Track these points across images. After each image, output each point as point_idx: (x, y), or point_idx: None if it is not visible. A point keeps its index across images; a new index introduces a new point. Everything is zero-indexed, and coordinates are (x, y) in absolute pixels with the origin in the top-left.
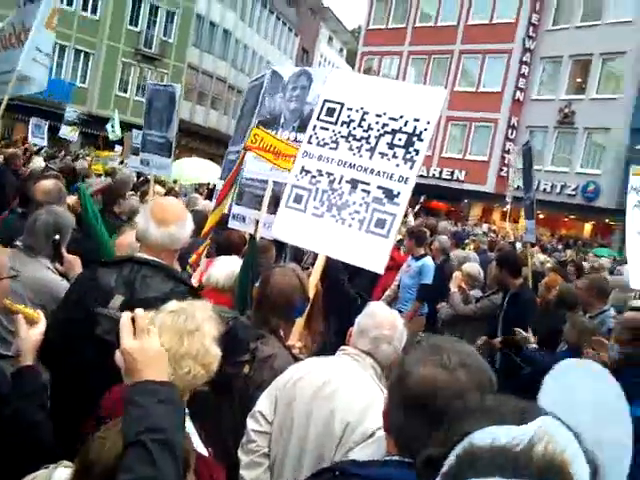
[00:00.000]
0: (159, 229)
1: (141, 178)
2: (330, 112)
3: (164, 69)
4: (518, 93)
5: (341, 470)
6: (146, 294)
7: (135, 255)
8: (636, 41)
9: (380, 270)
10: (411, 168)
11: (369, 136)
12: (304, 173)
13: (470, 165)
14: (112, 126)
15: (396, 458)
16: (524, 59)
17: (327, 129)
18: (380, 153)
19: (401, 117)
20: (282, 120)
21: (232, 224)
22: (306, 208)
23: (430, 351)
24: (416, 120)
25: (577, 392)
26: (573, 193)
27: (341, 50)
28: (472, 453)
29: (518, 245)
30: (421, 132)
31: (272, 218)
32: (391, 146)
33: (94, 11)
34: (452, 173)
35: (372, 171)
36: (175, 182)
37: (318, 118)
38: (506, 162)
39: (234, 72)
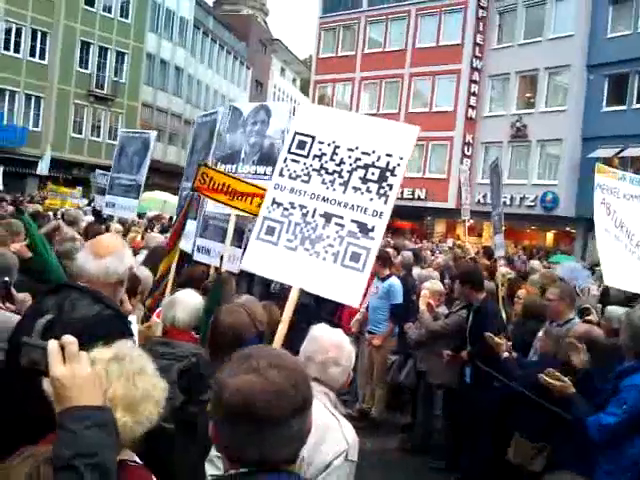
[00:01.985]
0: (94, 261)
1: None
2: (301, 145)
3: (118, 109)
4: (470, 111)
5: None
6: (71, 316)
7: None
8: (579, 53)
9: (355, 304)
10: (385, 203)
11: (342, 170)
12: (275, 205)
13: (430, 183)
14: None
15: (230, 472)
16: (473, 78)
17: (298, 162)
18: (353, 187)
19: (373, 152)
20: (242, 155)
21: (197, 257)
22: (279, 241)
23: (239, 360)
24: (388, 155)
25: None
26: (532, 204)
27: (294, 80)
28: None
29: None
30: (394, 167)
31: (236, 251)
32: (364, 180)
33: (42, 56)
34: (413, 192)
35: (346, 205)
36: (140, 216)
37: (289, 151)
38: (462, 181)
39: (189, 107)
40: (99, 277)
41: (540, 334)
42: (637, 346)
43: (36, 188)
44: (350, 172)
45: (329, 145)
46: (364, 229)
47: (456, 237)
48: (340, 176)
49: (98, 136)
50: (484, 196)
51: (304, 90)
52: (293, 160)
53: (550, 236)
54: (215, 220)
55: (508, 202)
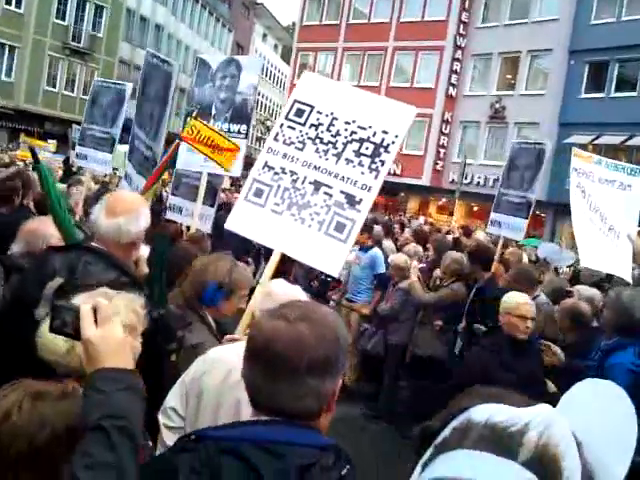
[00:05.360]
0: (107, 220)
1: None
2: (299, 113)
3: (94, 64)
4: (451, 89)
5: (196, 434)
6: (84, 280)
7: (84, 242)
8: (562, 38)
9: (335, 273)
10: (376, 178)
11: (336, 141)
12: (267, 169)
13: (406, 159)
14: None
15: (251, 418)
16: (456, 56)
17: (294, 129)
18: (346, 159)
19: (370, 127)
20: (214, 111)
21: (169, 215)
22: (266, 203)
23: (278, 307)
24: (384, 132)
25: (596, 412)
26: None
27: (276, 47)
28: (466, 426)
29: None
30: (388, 144)
31: (208, 210)
32: (357, 154)
33: (18, 4)
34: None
35: (336, 175)
36: (116, 171)
37: (286, 117)
38: (441, 156)
39: None
40: (108, 235)
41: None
42: (621, 324)
43: (6, 140)
44: (345, 144)
45: (327, 116)
46: (352, 201)
47: (428, 215)
48: (334, 147)
49: (72, 91)
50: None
51: (285, 58)
52: (289, 127)
53: None
54: (188, 178)
55: (482, 182)
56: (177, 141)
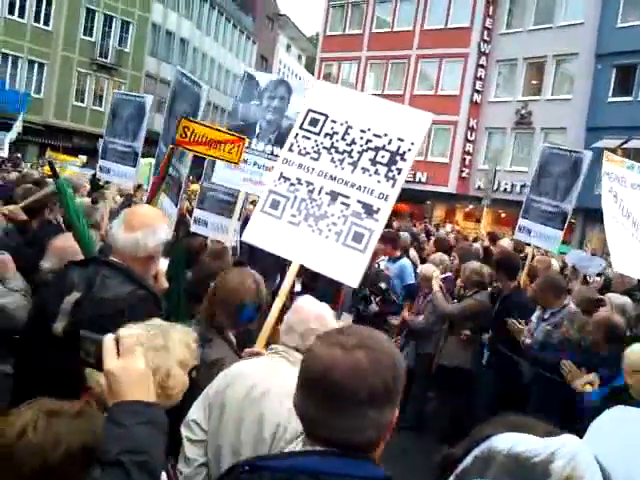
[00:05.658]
0: (125, 234)
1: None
2: (314, 122)
3: (121, 78)
4: (476, 95)
5: (249, 465)
6: (102, 294)
7: (101, 256)
8: (588, 42)
9: (354, 284)
10: (393, 186)
11: (352, 150)
12: (282, 180)
13: (432, 167)
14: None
15: (306, 448)
16: (480, 62)
17: (309, 139)
18: (362, 168)
19: (385, 135)
20: (258, 130)
21: (195, 228)
22: (282, 215)
23: (332, 333)
24: (400, 140)
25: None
26: None
27: (300, 57)
28: (488, 455)
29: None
30: (404, 152)
31: (237, 225)
32: (374, 162)
33: (46, 22)
34: (414, 175)
35: (353, 185)
36: (139, 187)
37: (301, 127)
38: (466, 164)
39: None
40: (126, 249)
41: (534, 319)
42: None
43: (36, 155)
44: (360, 153)
45: (342, 125)
46: (369, 210)
47: (455, 222)
48: (350, 156)
49: (100, 105)
50: (486, 182)
51: (309, 68)
52: (304, 137)
53: None
54: (213, 192)
55: (509, 189)
56: (172, 146)
